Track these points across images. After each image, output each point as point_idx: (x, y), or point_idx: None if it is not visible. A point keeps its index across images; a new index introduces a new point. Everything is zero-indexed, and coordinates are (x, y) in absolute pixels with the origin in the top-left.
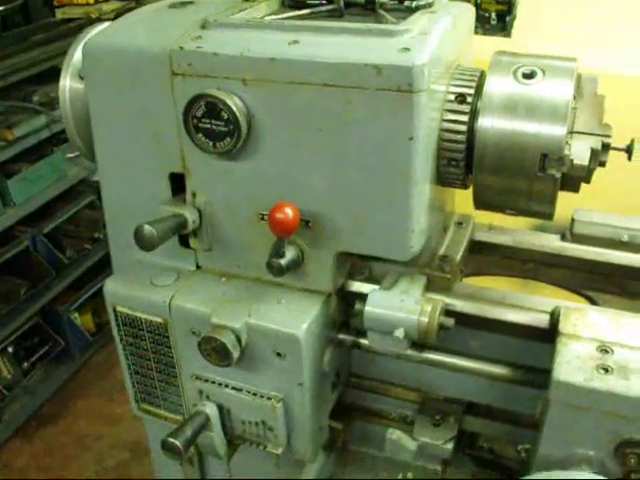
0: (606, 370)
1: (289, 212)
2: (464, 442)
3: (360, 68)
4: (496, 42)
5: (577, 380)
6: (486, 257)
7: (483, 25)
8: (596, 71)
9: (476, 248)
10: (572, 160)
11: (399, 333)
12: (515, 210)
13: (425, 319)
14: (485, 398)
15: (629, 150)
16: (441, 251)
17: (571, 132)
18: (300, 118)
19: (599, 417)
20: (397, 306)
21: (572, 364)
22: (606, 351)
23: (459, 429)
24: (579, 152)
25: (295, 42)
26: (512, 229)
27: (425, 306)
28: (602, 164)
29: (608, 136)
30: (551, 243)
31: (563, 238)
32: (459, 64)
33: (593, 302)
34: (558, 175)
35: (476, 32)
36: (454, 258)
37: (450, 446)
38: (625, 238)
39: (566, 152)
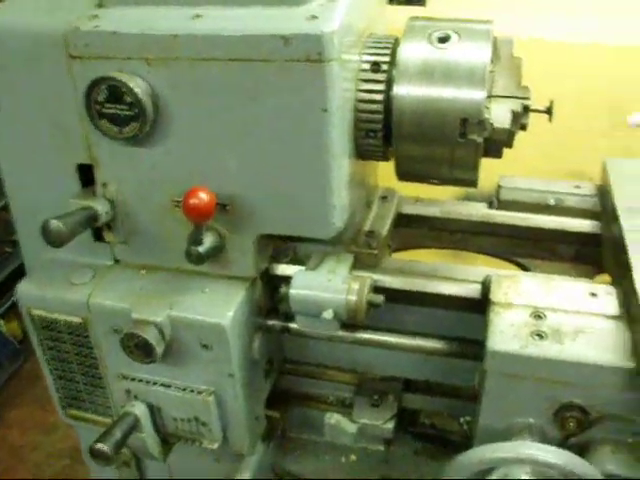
0: (540, 336)
1: (203, 197)
2: (405, 420)
3: (267, 39)
4: (412, 11)
5: (512, 348)
6: (414, 230)
7: None
8: (518, 36)
9: (403, 221)
10: (493, 124)
11: (327, 314)
12: (438, 179)
13: (353, 297)
14: (422, 374)
15: (549, 111)
16: (366, 227)
17: (490, 96)
18: (208, 96)
19: (536, 384)
20: (324, 286)
21: (506, 333)
22: (539, 317)
23: (399, 407)
24: (499, 116)
25: (198, 16)
26: (439, 200)
27: (353, 284)
28: (523, 127)
29: (527, 98)
30: (478, 211)
31: (490, 206)
32: (372, 32)
33: (524, 268)
34: (479, 140)
35: (391, 2)
36: (380, 233)
37: (390, 425)
38: (551, 202)
39: (486, 116)
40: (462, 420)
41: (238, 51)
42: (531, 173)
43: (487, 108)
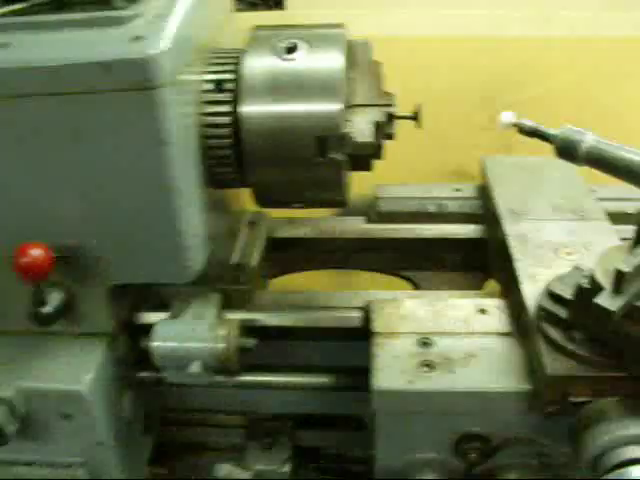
0: (429, 366)
1: (36, 253)
2: (306, 455)
3: (85, 68)
4: (270, 17)
5: (399, 385)
6: (290, 254)
7: None
8: (383, 35)
9: (278, 246)
10: (354, 138)
11: (195, 367)
12: (303, 203)
13: (221, 345)
14: (315, 408)
15: (416, 117)
16: (234, 259)
17: (350, 106)
18: (30, 137)
19: (431, 417)
20: (188, 336)
21: (391, 367)
22: (427, 343)
23: (294, 447)
24: (361, 129)
25: (5, 45)
26: (314, 218)
27: (220, 331)
28: (389, 136)
29: (391, 105)
30: (356, 228)
31: (369, 219)
32: (216, 46)
33: (412, 282)
34: (341, 158)
35: (246, 8)
36: (249, 265)
37: (287, 469)
38: (432, 209)
39: (346, 130)
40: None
41: (55, 84)
42: (410, 176)
43: (347, 121)
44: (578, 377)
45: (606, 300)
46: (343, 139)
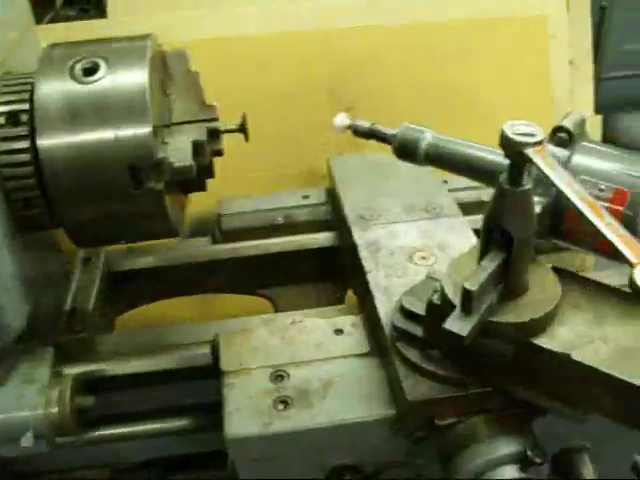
0: (285, 403)
1: None
2: None
3: None
4: (90, 27)
5: (254, 430)
6: (134, 287)
7: (77, 5)
8: (213, 36)
9: (120, 280)
10: (172, 164)
11: (26, 440)
12: (127, 239)
13: (54, 410)
14: (180, 449)
15: (243, 129)
16: (67, 305)
17: (167, 125)
18: None
19: (297, 456)
20: (14, 404)
21: (245, 410)
22: (281, 377)
23: None
24: (180, 151)
25: None
26: (156, 244)
27: (51, 393)
28: (219, 153)
29: (214, 119)
30: (201, 250)
31: (214, 239)
32: (9, 70)
33: (270, 300)
34: (160, 187)
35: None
36: (85, 309)
37: None
38: (280, 220)
39: (161, 155)
40: None
41: None
42: (262, 183)
43: (164, 143)
44: (440, 399)
45: (455, 324)
46: (159, 166)
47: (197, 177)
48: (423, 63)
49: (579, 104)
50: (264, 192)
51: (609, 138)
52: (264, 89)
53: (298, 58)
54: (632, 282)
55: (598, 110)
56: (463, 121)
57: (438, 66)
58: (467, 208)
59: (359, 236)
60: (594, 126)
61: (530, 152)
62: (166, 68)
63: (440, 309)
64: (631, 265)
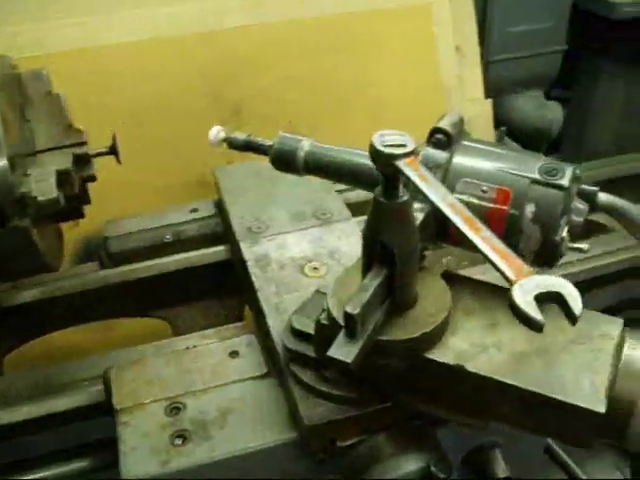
0: (183, 437)
1: None
2: None
3: None
4: None
5: (152, 470)
6: (23, 322)
7: None
8: (91, 45)
9: (6, 315)
10: (36, 198)
11: None
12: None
13: None
14: None
15: (114, 151)
16: None
17: (30, 154)
18: None
19: None
20: None
21: (141, 449)
22: (177, 409)
23: None
24: (43, 183)
25: None
26: (42, 276)
27: None
28: (91, 178)
29: (82, 144)
30: (90, 277)
31: (102, 264)
32: None
33: (168, 321)
34: (26, 224)
35: None
36: None
37: None
38: (169, 238)
39: (23, 189)
40: None
41: None
42: (147, 196)
43: (26, 176)
44: (339, 420)
45: (339, 351)
46: (22, 201)
47: (70, 206)
48: (308, 59)
49: (469, 89)
50: (153, 203)
51: (501, 120)
52: (148, 98)
53: (179, 63)
54: (511, 301)
55: (488, 93)
56: (354, 115)
57: (324, 61)
58: (357, 208)
59: (248, 251)
60: (485, 109)
61: (401, 164)
62: (23, 91)
63: (328, 329)
64: (510, 282)
